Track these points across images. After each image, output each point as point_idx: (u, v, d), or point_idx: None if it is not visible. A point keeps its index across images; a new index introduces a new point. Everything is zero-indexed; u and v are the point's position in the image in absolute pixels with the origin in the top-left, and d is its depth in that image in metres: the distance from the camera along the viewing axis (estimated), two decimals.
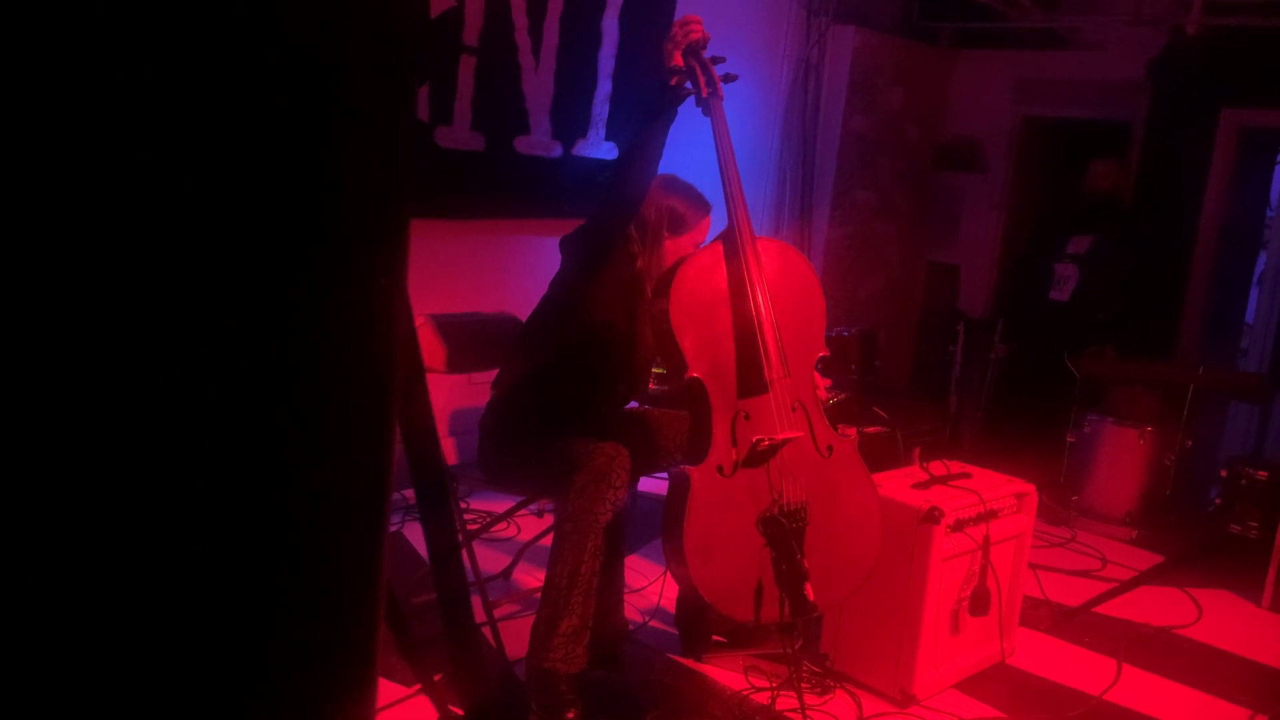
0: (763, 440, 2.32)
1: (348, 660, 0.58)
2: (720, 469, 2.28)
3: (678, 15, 4.48)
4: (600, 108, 4.34)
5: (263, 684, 0.54)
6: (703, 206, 2.76)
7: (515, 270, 4.18)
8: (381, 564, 0.59)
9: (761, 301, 2.39)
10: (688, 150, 3.06)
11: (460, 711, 0.89)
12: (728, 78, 2.49)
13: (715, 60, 2.48)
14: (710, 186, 2.82)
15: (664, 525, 2.31)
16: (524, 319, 3.07)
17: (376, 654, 0.61)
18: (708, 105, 2.49)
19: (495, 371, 2.84)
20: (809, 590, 2.26)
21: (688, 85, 2.51)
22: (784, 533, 2.28)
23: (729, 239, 2.43)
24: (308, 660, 0.56)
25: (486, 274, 4.11)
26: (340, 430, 0.56)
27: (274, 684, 0.55)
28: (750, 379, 2.37)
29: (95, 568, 0.50)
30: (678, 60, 2.50)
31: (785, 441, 2.35)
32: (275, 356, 0.55)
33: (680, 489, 2.27)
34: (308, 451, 0.55)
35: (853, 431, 2.50)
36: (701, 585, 2.23)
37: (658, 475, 3.13)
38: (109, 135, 0.48)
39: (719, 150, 2.46)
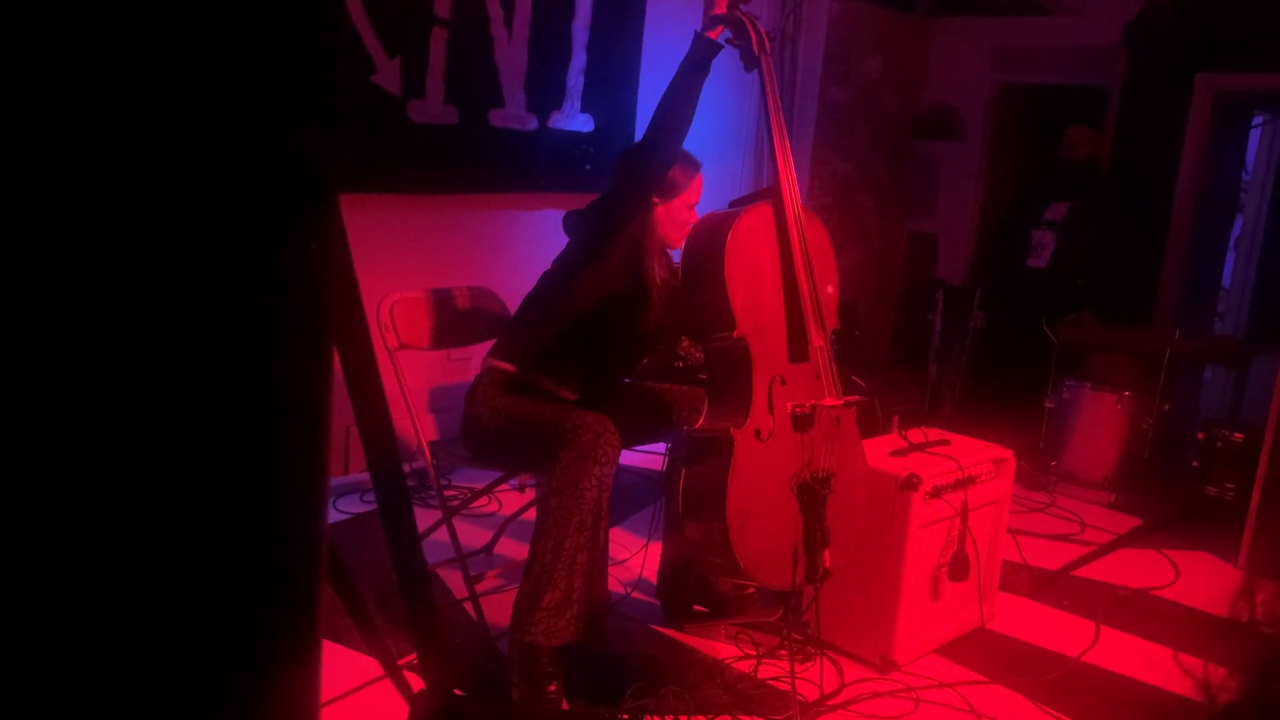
0: (803, 406, 2.31)
1: (291, 630, 0.60)
2: (758, 433, 2.26)
3: None
4: (575, 79, 4.30)
5: (210, 652, 0.56)
6: (692, 166, 2.66)
7: (492, 245, 4.15)
8: (322, 535, 0.60)
9: (807, 267, 2.36)
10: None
11: (421, 685, 0.89)
12: (770, 36, 2.39)
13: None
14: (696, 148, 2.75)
15: (691, 490, 2.28)
16: (501, 294, 3.05)
17: (319, 621, 0.62)
18: (758, 62, 2.38)
19: (473, 347, 2.81)
20: (827, 556, 2.26)
21: (724, 38, 2.40)
22: (815, 498, 2.27)
23: (776, 200, 2.36)
24: (253, 627, 0.58)
25: (462, 249, 4.08)
26: (281, 405, 0.57)
27: (220, 653, 0.56)
28: (797, 344, 2.35)
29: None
30: (722, 9, 2.38)
31: (826, 409, 2.35)
32: (257, 346, 0.56)
33: (718, 452, 2.23)
34: (254, 423, 0.56)
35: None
36: (739, 549, 2.20)
37: (640, 449, 3.13)
38: (109, 135, 0.48)
39: (770, 109, 2.37)
